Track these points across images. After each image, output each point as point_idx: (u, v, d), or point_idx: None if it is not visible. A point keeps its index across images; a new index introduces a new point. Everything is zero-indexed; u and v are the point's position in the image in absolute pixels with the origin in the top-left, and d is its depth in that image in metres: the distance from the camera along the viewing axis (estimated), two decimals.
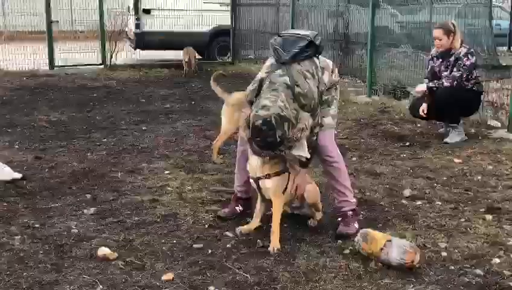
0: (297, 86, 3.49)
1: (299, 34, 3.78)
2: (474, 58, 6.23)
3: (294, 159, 3.69)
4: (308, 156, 3.60)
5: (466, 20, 7.85)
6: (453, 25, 6.27)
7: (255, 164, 3.73)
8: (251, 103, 3.58)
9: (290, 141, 3.43)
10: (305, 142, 3.53)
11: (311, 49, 3.69)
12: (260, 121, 3.32)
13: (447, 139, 6.39)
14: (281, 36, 3.80)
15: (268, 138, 3.35)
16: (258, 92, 3.56)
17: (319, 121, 3.71)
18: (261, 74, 3.64)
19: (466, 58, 6.16)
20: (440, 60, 6.38)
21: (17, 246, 3.66)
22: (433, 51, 6.50)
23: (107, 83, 11.16)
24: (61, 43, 13.65)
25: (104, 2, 13.27)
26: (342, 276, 3.29)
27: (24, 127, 7.19)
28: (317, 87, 3.64)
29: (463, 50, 6.19)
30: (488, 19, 7.48)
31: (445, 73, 6.28)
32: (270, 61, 3.70)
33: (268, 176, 3.72)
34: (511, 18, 15.17)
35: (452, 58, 6.24)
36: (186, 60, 12.25)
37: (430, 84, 6.36)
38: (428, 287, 3.17)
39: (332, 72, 3.88)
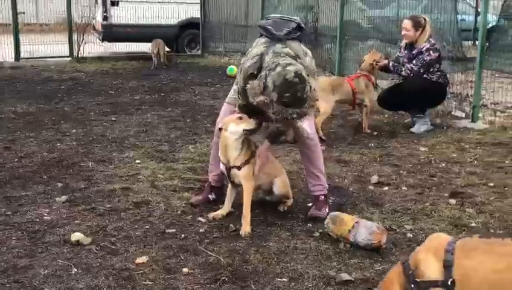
0: (299, 57, 3.58)
1: (288, 17, 3.91)
2: (436, 53, 6.36)
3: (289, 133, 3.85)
4: (310, 131, 3.75)
5: (432, 15, 8.02)
6: (425, 20, 6.41)
7: (232, 155, 3.80)
8: (253, 76, 3.59)
9: (313, 100, 3.48)
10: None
11: (299, 32, 3.79)
12: (292, 74, 3.33)
13: (413, 129, 6.56)
14: (269, 19, 3.90)
15: (298, 92, 3.35)
16: (260, 65, 3.58)
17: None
18: (259, 49, 3.67)
19: (427, 53, 6.31)
20: (406, 51, 6.54)
21: None
22: (403, 42, 6.64)
23: (74, 75, 11.08)
24: (27, 35, 13.46)
25: None
26: (312, 257, 3.38)
27: None
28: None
29: (426, 45, 6.34)
30: (454, 13, 7.66)
31: (407, 65, 6.43)
32: (261, 39, 3.76)
33: (239, 168, 3.80)
34: (475, 13, 15.54)
35: (415, 52, 6.40)
36: (155, 52, 12.23)
37: (390, 66, 6.53)
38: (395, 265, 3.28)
39: (312, 60, 3.94)
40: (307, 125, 4.03)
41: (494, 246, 2.28)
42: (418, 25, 6.34)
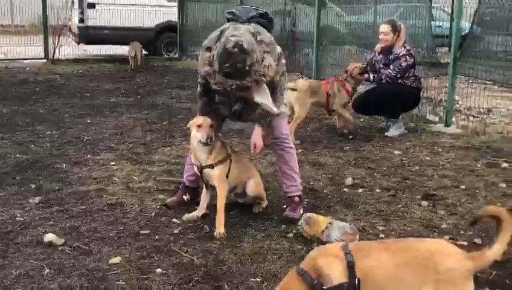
0: (259, 34, 3.58)
1: (255, 7, 3.97)
2: (412, 59, 6.46)
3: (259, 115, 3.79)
4: (276, 111, 3.66)
5: (409, 21, 8.14)
6: (400, 25, 6.50)
7: (199, 153, 3.81)
8: (209, 49, 3.60)
9: (258, 75, 3.43)
10: (269, 95, 3.57)
11: (266, 20, 3.82)
12: (232, 44, 3.32)
13: (387, 133, 6.64)
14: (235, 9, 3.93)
15: (238, 62, 3.33)
16: (218, 39, 3.56)
17: (284, 84, 3.90)
18: (221, 28, 3.68)
19: (404, 59, 6.39)
20: (380, 56, 6.62)
21: None
22: (377, 47, 6.72)
23: (50, 77, 10.97)
24: (2, 36, 13.30)
25: None
26: (286, 257, 3.41)
27: None
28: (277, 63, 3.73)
29: (403, 51, 6.42)
30: (428, 20, 7.79)
31: (384, 71, 6.50)
32: (227, 23, 3.76)
33: (211, 167, 3.82)
34: (451, 19, 15.76)
35: (392, 57, 6.48)
36: (132, 54, 12.17)
37: (371, 78, 6.60)
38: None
39: (281, 56, 3.92)
40: (282, 126, 4.08)
41: (388, 244, 2.39)
42: (395, 29, 6.44)
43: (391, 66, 6.44)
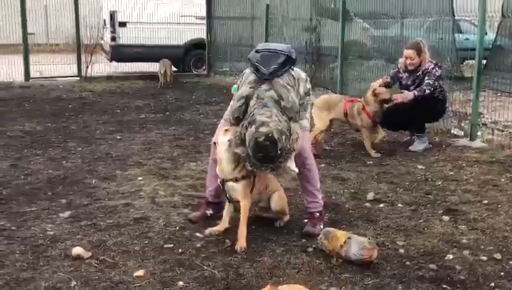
0: (283, 100, 3.70)
1: (275, 49, 3.96)
2: (440, 70, 6.51)
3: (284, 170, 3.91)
4: (297, 170, 3.83)
5: (434, 35, 8.16)
6: (422, 43, 6.53)
7: (225, 168, 3.92)
8: (238, 119, 3.76)
9: (288, 152, 3.64)
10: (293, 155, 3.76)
11: (289, 63, 3.90)
12: (263, 138, 3.49)
13: (411, 148, 6.66)
14: (258, 52, 3.96)
15: (270, 152, 3.53)
16: (245, 108, 3.73)
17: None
18: (244, 90, 3.79)
19: (434, 70, 6.43)
20: (406, 74, 6.64)
21: None
22: (401, 63, 6.71)
23: (82, 95, 11.29)
24: (37, 55, 13.73)
25: (79, 15, 13.41)
26: (305, 271, 3.49)
27: (0, 136, 7.27)
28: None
29: (431, 65, 6.46)
30: (452, 32, 7.79)
31: (427, 81, 6.42)
32: (249, 75, 3.87)
33: (236, 180, 3.92)
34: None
35: (420, 73, 6.50)
36: (162, 72, 12.45)
37: (416, 93, 6.43)
38: (385, 280, 3.38)
39: (305, 81, 4.10)
40: (305, 144, 4.16)
41: None
42: (419, 51, 6.46)
43: (426, 77, 6.41)
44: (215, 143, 4.00)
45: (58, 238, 3.96)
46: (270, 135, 3.49)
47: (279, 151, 3.53)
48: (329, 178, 5.50)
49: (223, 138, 3.89)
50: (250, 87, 3.77)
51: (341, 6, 9.57)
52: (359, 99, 6.69)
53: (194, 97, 11.20)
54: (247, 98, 3.74)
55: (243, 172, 3.92)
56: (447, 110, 7.02)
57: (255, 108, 3.64)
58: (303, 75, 4.09)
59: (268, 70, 3.77)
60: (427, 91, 6.42)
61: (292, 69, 3.95)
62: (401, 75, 6.74)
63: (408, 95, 6.45)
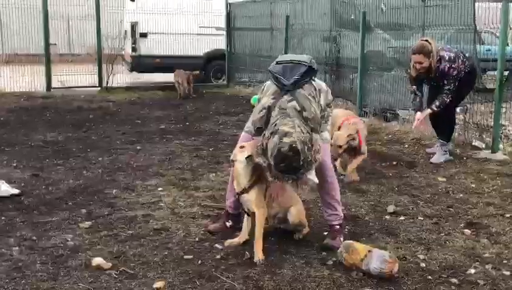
0: (305, 110, 3.68)
1: (296, 60, 3.94)
2: (455, 63, 6.31)
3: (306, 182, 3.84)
4: (317, 181, 3.77)
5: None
6: (429, 43, 6.34)
7: (241, 179, 3.92)
8: (259, 130, 3.75)
9: (310, 163, 3.60)
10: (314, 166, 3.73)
11: (310, 74, 3.88)
12: (287, 148, 3.47)
13: (432, 160, 6.60)
14: (279, 63, 3.95)
15: (293, 162, 3.50)
16: (267, 118, 3.72)
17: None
18: (266, 101, 3.78)
19: (451, 70, 6.28)
20: (425, 81, 6.59)
21: (15, 257, 3.83)
22: (413, 73, 6.53)
23: (103, 105, 11.40)
24: (59, 65, 13.91)
25: (101, 26, 13.57)
26: (325, 285, 3.46)
27: (22, 146, 7.38)
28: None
29: (445, 64, 6.26)
30: (473, 43, 7.72)
31: (445, 88, 6.35)
32: (271, 86, 3.87)
33: (246, 191, 3.92)
34: None
35: (437, 75, 6.36)
36: (179, 81, 12.52)
37: (434, 107, 6.39)
38: None
39: (327, 92, 4.07)
40: (325, 156, 4.14)
41: None
42: (428, 52, 6.25)
43: (445, 82, 6.30)
44: (233, 160, 3.99)
45: (78, 249, 3.99)
46: (293, 145, 3.46)
47: (301, 162, 3.51)
48: (349, 190, 5.47)
49: (239, 156, 3.89)
50: (272, 98, 3.76)
51: (361, 17, 9.54)
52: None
53: (213, 107, 11.24)
54: (269, 109, 3.73)
55: (251, 181, 3.92)
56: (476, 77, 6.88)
57: (277, 118, 3.63)
58: (324, 86, 4.07)
59: (289, 82, 3.76)
60: (447, 99, 6.34)
61: (313, 80, 3.94)
62: (421, 78, 6.53)
63: (423, 113, 6.45)
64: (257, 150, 3.70)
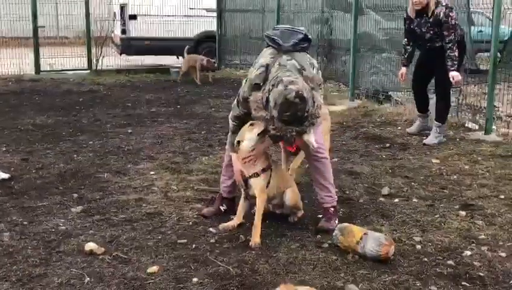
0: (304, 70, 3.65)
1: (293, 28, 3.97)
2: (453, 13, 6.31)
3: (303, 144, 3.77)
4: (316, 145, 3.70)
5: None
6: None
7: (241, 163, 3.87)
8: (258, 86, 3.66)
9: (314, 117, 3.50)
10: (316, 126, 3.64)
11: (306, 42, 3.86)
12: (293, 94, 3.38)
13: (426, 141, 6.58)
14: (276, 29, 3.95)
15: (299, 111, 3.40)
16: (265, 76, 3.66)
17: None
18: (264, 60, 3.74)
19: (450, 18, 6.24)
20: (418, 19, 6.46)
21: (6, 242, 3.76)
22: (409, 11, 6.53)
23: (93, 88, 11.27)
24: (47, 48, 13.73)
25: (90, 8, 13.38)
26: (320, 268, 3.43)
27: (11, 130, 7.27)
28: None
29: (441, 11, 6.23)
30: (467, 25, 7.68)
31: (429, 35, 6.35)
32: (267, 50, 3.83)
33: (256, 175, 3.87)
34: (492, 25, 15.46)
35: (431, 20, 6.31)
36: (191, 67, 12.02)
37: (450, 68, 6.26)
38: (402, 277, 3.32)
39: (318, 69, 4.00)
40: (317, 137, 4.08)
41: None
42: None
43: (445, 33, 6.23)
44: (238, 142, 3.91)
45: (70, 234, 3.93)
46: (300, 92, 3.38)
47: (306, 113, 3.42)
48: (343, 172, 5.44)
49: (251, 134, 3.83)
50: (271, 57, 3.72)
51: None
52: None
53: (204, 90, 11.15)
54: (267, 66, 3.68)
55: (263, 165, 3.88)
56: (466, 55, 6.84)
57: (278, 72, 3.57)
58: (315, 62, 4.00)
59: (288, 43, 3.74)
60: (455, 51, 6.26)
61: (307, 52, 3.90)
62: (413, 24, 6.50)
63: (456, 78, 6.31)
64: (258, 104, 3.60)
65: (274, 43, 3.79)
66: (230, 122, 4.08)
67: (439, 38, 6.34)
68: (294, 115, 3.40)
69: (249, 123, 3.90)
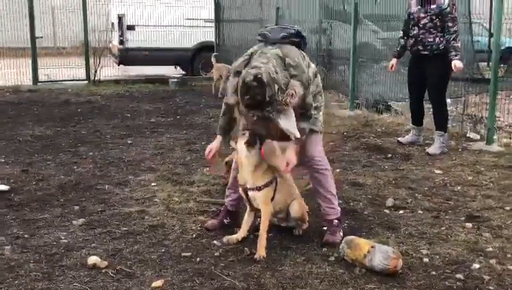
0: (288, 57, 3.63)
1: (286, 26, 4.01)
2: (455, 5, 6.37)
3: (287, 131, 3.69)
4: (298, 135, 3.64)
5: None
6: None
7: (246, 174, 3.81)
8: (238, 74, 3.64)
9: (279, 104, 3.46)
10: (294, 119, 3.59)
11: (298, 38, 3.86)
12: (251, 77, 3.38)
13: (428, 150, 6.54)
14: (267, 27, 3.98)
15: (257, 95, 3.38)
16: (247, 63, 3.65)
17: (312, 103, 3.82)
18: (251, 50, 3.76)
19: (454, 9, 6.31)
20: (419, 7, 6.48)
21: (7, 256, 3.69)
22: (412, 5, 6.59)
23: (91, 98, 11.22)
24: (45, 58, 13.69)
25: (87, 18, 13.36)
26: (328, 282, 3.38)
27: (9, 141, 7.21)
28: (309, 84, 3.75)
29: (445, 1, 6.29)
30: (470, 35, 7.69)
31: (433, 27, 6.36)
32: (258, 44, 3.85)
33: (259, 189, 3.80)
34: (489, 34, 15.53)
35: (434, 7, 6.34)
36: (215, 78, 11.65)
37: (453, 57, 6.25)
38: None
39: (315, 72, 3.98)
40: (315, 147, 4.05)
41: None
42: None
43: (450, 24, 6.26)
44: (233, 149, 3.89)
45: (72, 247, 3.87)
46: (258, 76, 3.37)
47: (267, 97, 3.39)
48: (346, 183, 5.39)
49: (241, 144, 3.78)
50: (257, 47, 3.75)
51: (353, 9, 9.44)
52: None
53: (203, 101, 11.10)
54: (251, 55, 3.70)
55: (265, 179, 3.82)
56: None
57: (257, 59, 3.58)
58: (313, 67, 3.97)
59: (277, 36, 3.76)
60: (458, 42, 6.30)
61: (303, 50, 3.90)
62: (412, 11, 6.53)
63: (458, 65, 6.28)
64: (232, 88, 3.65)
65: (263, 36, 3.83)
66: (222, 106, 4.07)
67: (434, 29, 6.37)
68: (253, 98, 3.40)
69: (241, 133, 3.85)
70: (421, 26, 6.48)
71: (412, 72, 6.82)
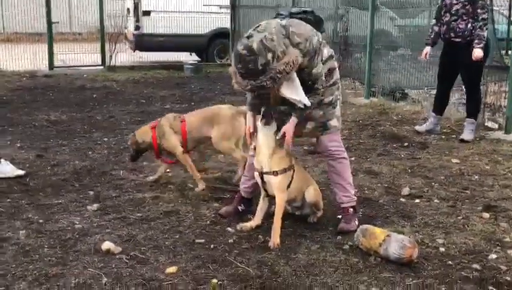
0: (292, 26, 3.56)
1: (304, 8, 4.02)
2: None
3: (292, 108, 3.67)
4: (309, 103, 3.59)
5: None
6: None
7: (262, 157, 3.77)
8: None
9: (274, 73, 3.38)
10: (301, 88, 3.54)
11: (311, 16, 3.84)
12: (242, 47, 3.35)
13: (463, 136, 6.48)
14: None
15: (249, 63, 3.34)
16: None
17: (322, 75, 3.71)
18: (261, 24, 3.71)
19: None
20: None
21: (22, 240, 3.71)
22: None
23: (107, 84, 11.23)
24: (60, 44, 13.72)
25: (103, 4, 13.35)
26: (342, 270, 3.35)
27: (25, 126, 7.25)
28: (317, 52, 3.65)
29: None
30: (491, 22, 7.53)
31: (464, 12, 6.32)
32: None
33: (275, 173, 3.76)
34: (508, 22, 15.24)
35: None
36: None
37: (477, 46, 6.22)
38: (427, 280, 3.23)
39: (332, 56, 3.88)
40: (336, 140, 4.00)
41: None
42: None
43: (479, 10, 6.22)
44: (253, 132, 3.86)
45: (86, 232, 3.87)
46: (249, 44, 3.33)
47: (259, 66, 3.33)
48: (361, 172, 5.34)
49: (260, 126, 3.75)
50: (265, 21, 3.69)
51: None
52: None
53: (218, 87, 11.06)
54: (257, 27, 3.62)
55: (283, 165, 3.77)
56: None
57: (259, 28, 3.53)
58: (330, 50, 3.88)
59: (287, 13, 3.79)
60: (485, 31, 6.26)
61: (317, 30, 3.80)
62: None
63: (477, 54, 6.22)
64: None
65: (277, 15, 3.84)
66: None
67: (466, 16, 6.29)
68: (246, 67, 3.36)
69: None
70: (453, 12, 6.38)
71: (444, 60, 6.71)
